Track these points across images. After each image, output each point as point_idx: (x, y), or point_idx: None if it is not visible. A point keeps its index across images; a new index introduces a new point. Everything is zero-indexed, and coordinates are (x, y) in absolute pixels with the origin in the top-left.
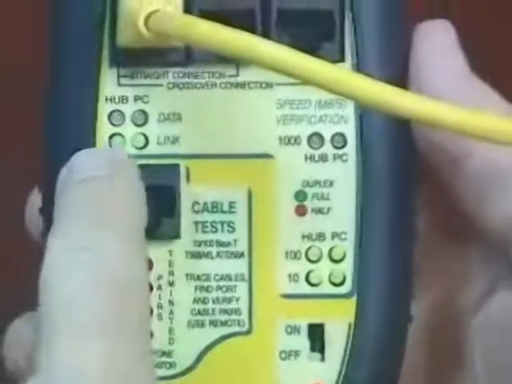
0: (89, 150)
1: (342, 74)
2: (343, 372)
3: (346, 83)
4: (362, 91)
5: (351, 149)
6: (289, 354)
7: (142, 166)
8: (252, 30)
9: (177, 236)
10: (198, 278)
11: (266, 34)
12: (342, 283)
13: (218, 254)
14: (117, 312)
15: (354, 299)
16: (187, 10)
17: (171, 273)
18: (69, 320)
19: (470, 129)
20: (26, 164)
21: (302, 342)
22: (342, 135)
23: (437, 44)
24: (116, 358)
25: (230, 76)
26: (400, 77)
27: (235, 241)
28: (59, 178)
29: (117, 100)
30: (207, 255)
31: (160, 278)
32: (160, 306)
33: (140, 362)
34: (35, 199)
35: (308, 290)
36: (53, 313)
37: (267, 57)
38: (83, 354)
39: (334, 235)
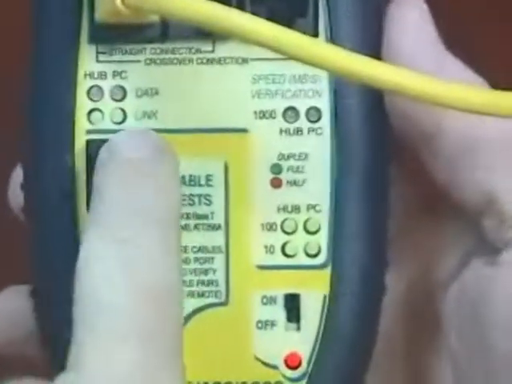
0: (131, 131)
1: (313, 42)
2: (318, 342)
3: (318, 52)
4: (335, 60)
5: (326, 122)
6: (265, 324)
7: None
8: (227, 4)
9: None
10: None
11: (240, 10)
12: (317, 254)
13: (196, 227)
14: (152, 320)
15: (328, 270)
16: None
17: None
18: (103, 325)
19: (439, 97)
20: None
21: (278, 312)
22: (316, 109)
23: (409, 19)
24: (148, 366)
25: (206, 52)
26: (373, 52)
27: (212, 213)
28: (98, 158)
29: (96, 76)
30: (185, 228)
31: None
32: None
33: (171, 370)
34: (18, 175)
35: (284, 261)
36: (87, 315)
37: (241, 28)
38: (117, 361)
39: (309, 207)
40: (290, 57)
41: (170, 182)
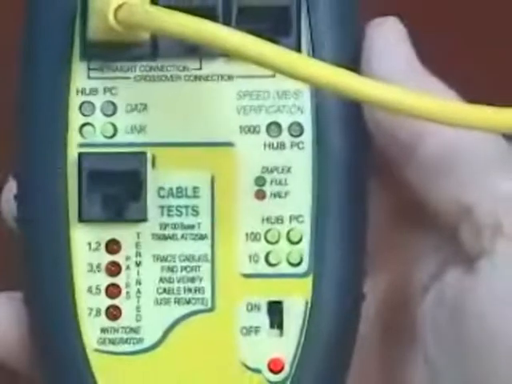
0: None
1: (299, 57)
2: (300, 346)
3: (303, 66)
4: (317, 74)
5: (307, 137)
6: (249, 330)
7: (110, 154)
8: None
9: (144, 219)
10: (164, 258)
11: None
12: (299, 263)
13: (183, 236)
14: None
15: (310, 278)
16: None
17: (138, 254)
18: None
19: (415, 109)
20: None
21: (262, 318)
22: (298, 124)
23: (387, 39)
24: None
25: (194, 69)
26: (352, 69)
27: (199, 224)
28: None
29: (87, 92)
30: (172, 237)
31: (128, 258)
32: (128, 285)
33: None
34: (10, 186)
35: (267, 269)
36: None
37: (228, 42)
38: None
39: (292, 218)
40: (273, 70)
41: None
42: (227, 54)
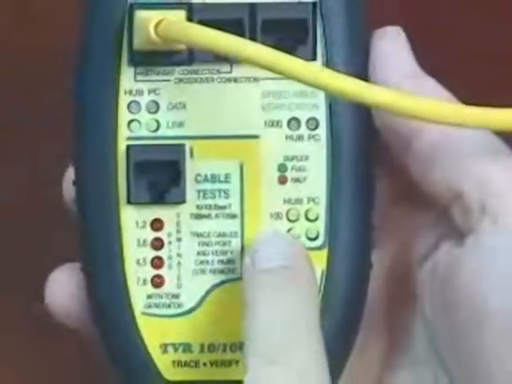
0: (270, 238)
1: (314, 69)
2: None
3: (317, 77)
4: (329, 82)
5: (322, 130)
6: None
7: (154, 145)
8: (241, 36)
9: (183, 201)
10: (201, 235)
11: (252, 40)
12: (316, 238)
13: (217, 216)
14: None
15: (325, 251)
16: (188, 20)
17: (179, 231)
18: None
19: (415, 112)
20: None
21: None
22: (315, 119)
23: (390, 45)
24: None
25: (225, 72)
26: (361, 73)
27: (230, 205)
28: (243, 268)
29: (134, 93)
30: (208, 217)
31: (170, 235)
32: (170, 258)
33: None
34: (69, 174)
35: None
36: None
37: (252, 54)
38: None
39: (310, 199)
40: (294, 80)
41: (313, 289)
42: None
